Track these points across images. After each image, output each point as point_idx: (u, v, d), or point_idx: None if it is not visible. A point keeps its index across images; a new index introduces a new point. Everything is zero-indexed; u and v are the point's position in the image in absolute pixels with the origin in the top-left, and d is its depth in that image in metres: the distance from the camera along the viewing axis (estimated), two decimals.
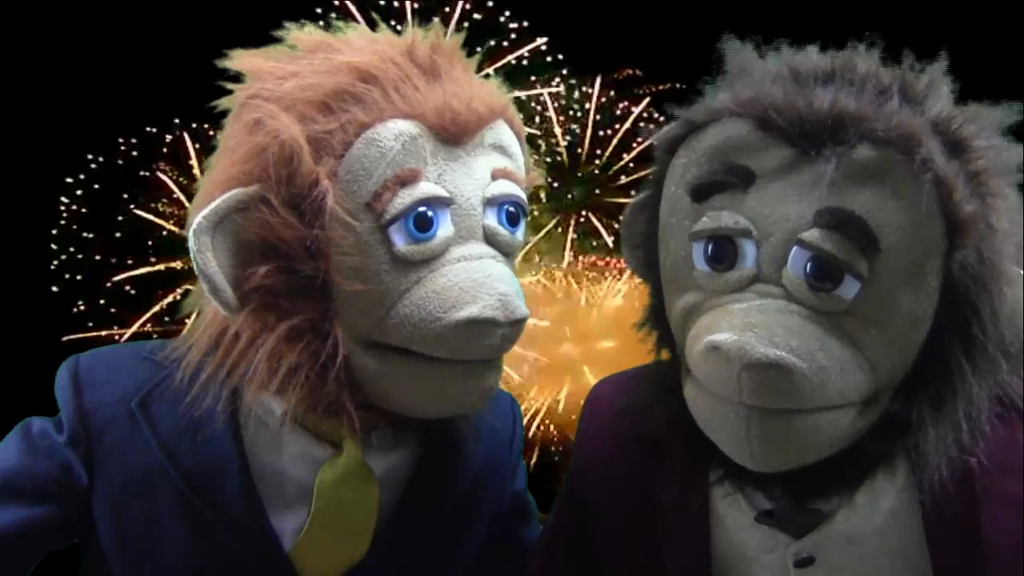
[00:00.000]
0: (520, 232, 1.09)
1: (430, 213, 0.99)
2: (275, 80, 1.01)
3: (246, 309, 0.97)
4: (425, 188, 0.99)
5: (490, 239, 1.05)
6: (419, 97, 1.01)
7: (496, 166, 1.06)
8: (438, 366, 1.00)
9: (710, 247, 0.97)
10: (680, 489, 1.10)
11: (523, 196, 1.08)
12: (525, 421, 1.54)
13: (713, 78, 1.07)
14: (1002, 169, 0.95)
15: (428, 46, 1.06)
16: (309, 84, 1.00)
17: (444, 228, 1.01)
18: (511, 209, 1.07)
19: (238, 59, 1.05)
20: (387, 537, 1.13)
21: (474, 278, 0.98)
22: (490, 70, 1.17)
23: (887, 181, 0.90)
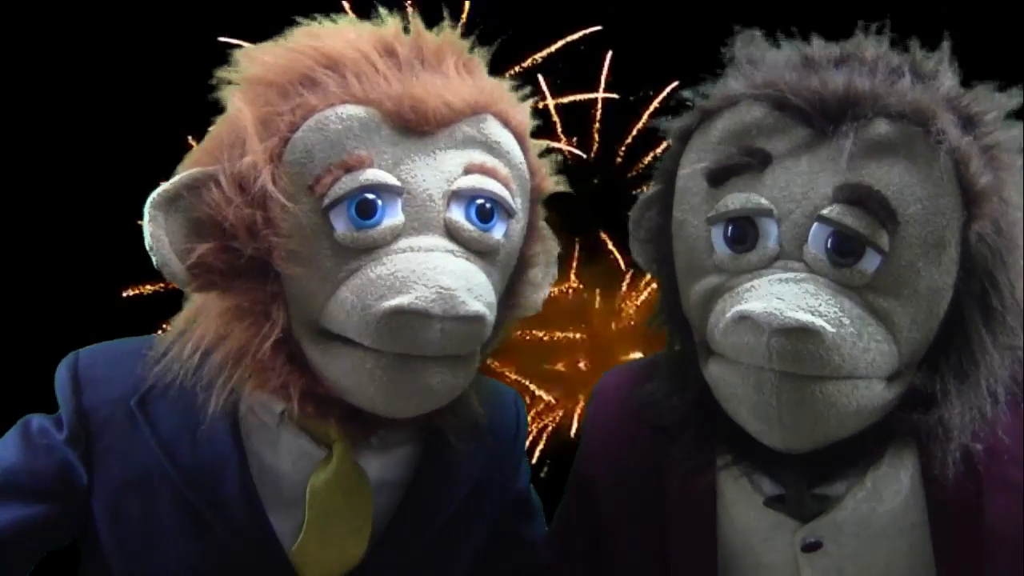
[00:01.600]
0: (497, 230, 1.04)
1: (376, 200, 0.97)
2: (249, 64, 1.03)
3: (194, 284, 0.98)
4: (371, 174, 0.97)
5: (452, 234, 1.00)
6: (381, 85, 1.00)
7: (472, 160, 1.03)
8: (374, 357, 0.95)
9: (730, 228, 0.99)
10: (687, 475, 1.10)
11: (503, 193, 1.03)
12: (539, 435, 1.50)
13: (718, 71, 1.08)
14: (1012, 144, 0.97)
15: (412, 37, 1.06)
16: (274, 68, 1.01)
17: (391, 217, 0.98)
18: (484, 204, 1.02)
19: (239, 51, 1.06)
20: (389, 539, 1.12)
21: (414, 268, 0.94)
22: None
23: (904, 155, 0.92)
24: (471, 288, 0.95)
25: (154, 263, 0.97)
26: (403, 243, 0.97)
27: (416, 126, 1.00)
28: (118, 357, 1.10)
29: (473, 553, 1.22)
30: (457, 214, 1.01)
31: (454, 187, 1.01)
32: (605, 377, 1.29)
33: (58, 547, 1.08)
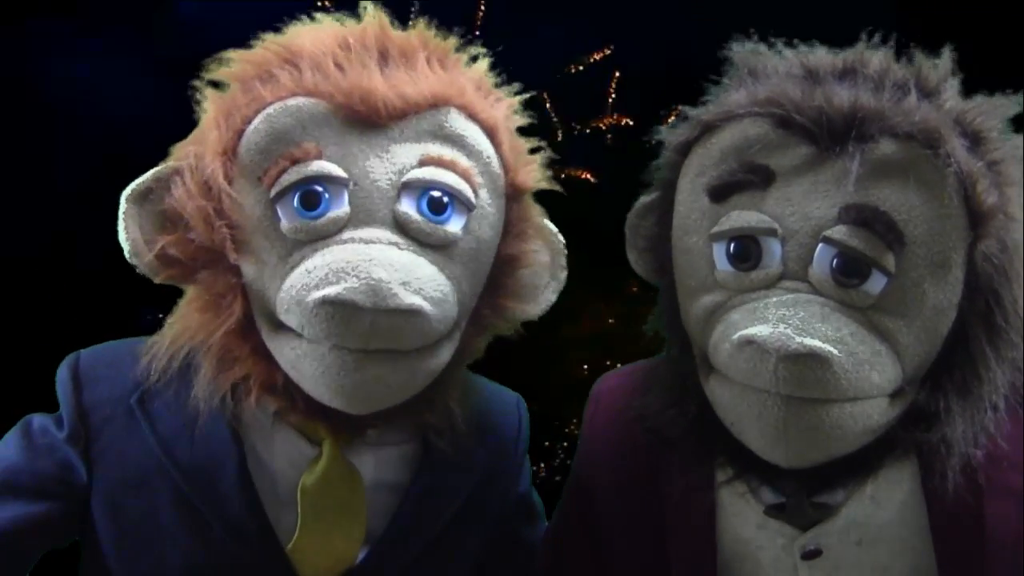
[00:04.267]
0: (453, 223, 1.02)
1: (324, 192, 0.97)
2: (230, 62, 1.05)
3: (162, 275, 1.01)
4: (316, 166, 0.97)
5: (402, 226, 1.00)
6: (335, 77, 1.01)
7: (428, 152, 1.02)
8: (313, 349, 0.95)
9: (732, 246, 0.97)
10: (687, 482, 1.08)
11: (459, 185, 1.02)
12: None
13: (719, 80, 1.07)
14: (1016, 159, 0.95)
15: (377, 33, 1.06)
16: (243, 64, 1.04)
17: (336, 209, 0.98)
18: (439, 197, 1.01)
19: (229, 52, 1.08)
20: (389, 539, 1.11)
21: (348, 259, 0.93)
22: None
23: (910, 175, 0.90)
24: (409, 281, 0.94)
25: (125, 254, 1.01)
26: (347, 235, 0.98)
27: (367, 118, 1.01)
28: (118, 356, 1.11)
29: (474, 555, 1.21)
30: (407, 206, 1.01)
31: (405, 179, 1.01)
32: (604, 380, 1.27)
33: (59, 546, 1.09)
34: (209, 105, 1.03)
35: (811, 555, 1.01)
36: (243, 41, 1.08)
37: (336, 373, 0.95)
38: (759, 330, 0.89)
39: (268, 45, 1.05)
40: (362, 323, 0.92)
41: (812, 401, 0.89)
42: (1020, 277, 0.94)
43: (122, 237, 1.00)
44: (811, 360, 0.87)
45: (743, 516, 1.07)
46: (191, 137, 1.06)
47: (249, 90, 1.01)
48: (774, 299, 0.93)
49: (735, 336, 0.91)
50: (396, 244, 0.98)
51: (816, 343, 0.87)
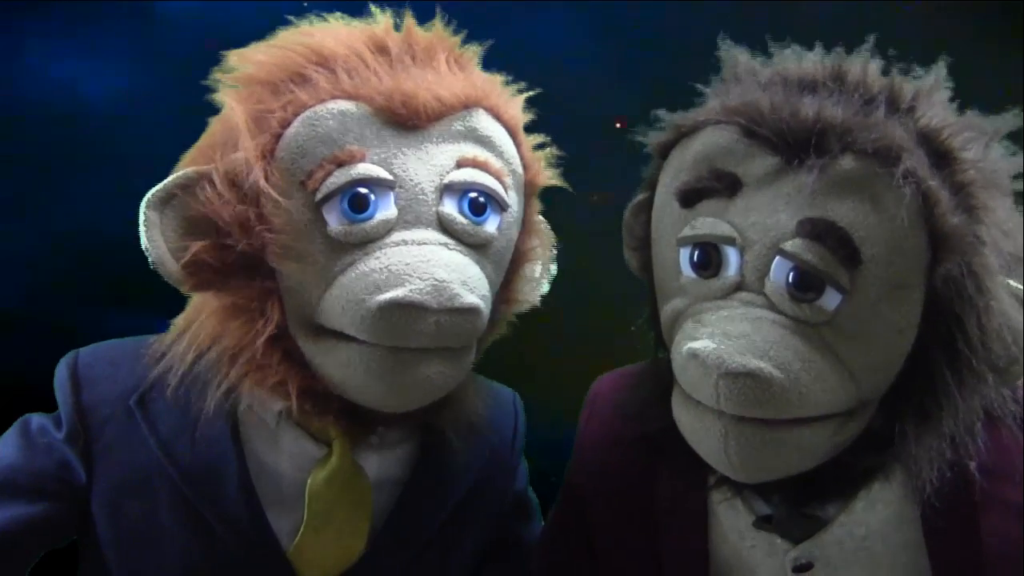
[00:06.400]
0: (490, 223, 1.04)
1: (369, 194, 0.97)
2: (242, 64, 1.04)
3: (190, 283, 0.99)
4: (363, 168, 0.97)
5: (446, 227, 1.01)
6: (371, 80, 1.00)
7: (464, 154, 1.03)
8: (370, 351, 0.95)
9: (696, 253, 0.97)
10: (678, 491, 1.09)
11: (496, 187, 1.03)
12: None
13: (708, 83, 1.07)
14: (993, 182, 0.93)
15: (402, 34, 1.06)
16: (266, 66, 1.02)
17: (384, 211, 0.98)
18: (477, 198, 1.02)
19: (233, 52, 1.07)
20: (386, 538, 1.12)
21: (408, 261, 0.94)
22: None
23: (869, 192, 0.88)
24: (465, 281, 0.95)
25: (150, 263, 0.98)
26: (396, 236, 0.98)
27: (407, 120, 1.01)
28: (118, 356, 1.11)
29: (471, 553, 1.22)
30: (450, 207, 1.01)
31: (446, 180, 1.01)
32: (600, 381, 1.27)
33: (57, 546, 1.09)
34: (234, 107, 1.01)
35: (802, 568, 1.02)
36: (231, 42, 1.06)
37: (397, 373, 0.95)
38: (703, 345, 0.88)
39: (291, 47, 1.03)
40: (428, 323, 0.93)
41: (753, 421, 0.89)
42: (989, 304, 0.90)
43: (145, 245, 0.98)
44: (750, 379, 0.86)
45: (735, 525, 1.07)
46: (210, 140, 1.04)
47: (281, 93, 1.00)
48: (724, 313, 0.92)
49: (684, 348, 0.91)
50: (445, 245, 0.99)
51: (756, 363, 0.86)
